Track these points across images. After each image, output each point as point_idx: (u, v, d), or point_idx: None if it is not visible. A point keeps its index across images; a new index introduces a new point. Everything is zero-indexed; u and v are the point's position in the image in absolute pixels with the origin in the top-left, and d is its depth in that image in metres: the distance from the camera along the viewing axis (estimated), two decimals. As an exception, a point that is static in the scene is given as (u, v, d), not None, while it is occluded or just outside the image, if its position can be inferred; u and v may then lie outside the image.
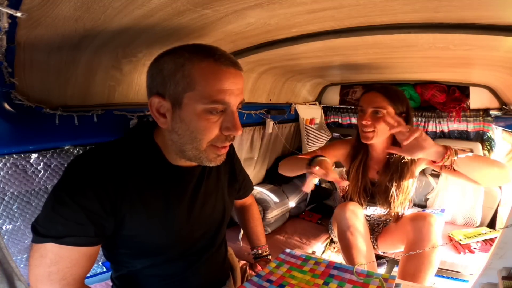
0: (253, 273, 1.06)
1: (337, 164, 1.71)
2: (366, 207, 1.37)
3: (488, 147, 1.87)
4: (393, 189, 1.27)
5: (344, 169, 1.50)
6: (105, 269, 1.07)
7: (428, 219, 1.18)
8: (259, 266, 1.05)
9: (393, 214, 1.31)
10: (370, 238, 1.41)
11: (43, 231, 0.58)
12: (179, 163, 0.73)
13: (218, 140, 0.65)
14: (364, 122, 1.21)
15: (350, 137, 1.48)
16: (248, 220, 1.12)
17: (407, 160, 1.24)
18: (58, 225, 0.58)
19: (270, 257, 1.08)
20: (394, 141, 1.25)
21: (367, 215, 1.39)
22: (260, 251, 1.08)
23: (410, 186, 1.28)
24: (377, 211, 1.39)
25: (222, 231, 0.88)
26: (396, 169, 1.25)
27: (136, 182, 0.66)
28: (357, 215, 1.24)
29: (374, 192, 1.34)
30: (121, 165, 0.65)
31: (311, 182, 1.03)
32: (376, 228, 1.41)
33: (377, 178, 1.33)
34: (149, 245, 0.71)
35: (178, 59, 0.61)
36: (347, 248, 1.19)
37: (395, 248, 1.34)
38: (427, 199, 1.97)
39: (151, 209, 0.69)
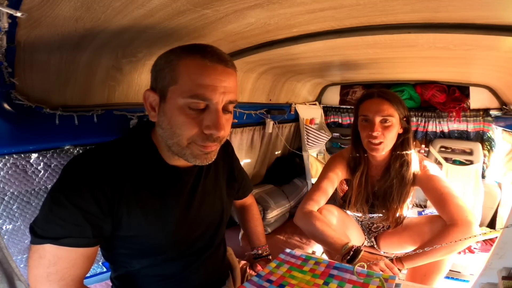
0: (253, 273, 1.06)
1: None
2: (366, 215, 1.36)
3: (488, 147, 1.87)
4: (392, 196, 1.24)
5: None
6: (105, 269, 1.07)
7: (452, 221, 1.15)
8: (259, 266, 1.05)
9: (391, 219, 1.30)
10: (365, 238, 1.41)
11: (41, 232, 0.58)
12: (176, 163, 0.73)
13: (198, 138, 0.63)
14: (374, 134, 1.14)
15: (344, 148, 1.44)
16: (248, 220, 1.12)
17: (405, 168, 1.21)
18: (56, 226, 0.58)
19: (270, 257, 1.08)
20: (394, 147, 1.23)
21: (358, 216, 1.38)
22: (260, 251, 1.08)
23: (409, 193, 1.26)
24: (376, 215, 1.38)
25: (221, 231, 0.88)
26: (395, 176, 1.22)
27: (133, 182, 0.66)
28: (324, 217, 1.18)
29: (374, 200, 1.33)
30: (118, 165, 0.65)
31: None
32: (373, 228, 1.40)
33: (376, 186, 1.32)
34: (147, 245, 0.71)
35: (170, 55, 0.64)
36: (322, 238, 1.07)
37: (401, 249, 1.31)
38: (427, 199, 1.97)
39: (148, 209, 0.69)
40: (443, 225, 1.08)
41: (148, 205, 0.69)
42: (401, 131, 1.21)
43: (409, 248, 1.25)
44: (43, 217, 0.60)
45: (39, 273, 0.59)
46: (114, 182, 0.63)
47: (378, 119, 1.14)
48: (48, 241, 0.58)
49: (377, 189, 1.31)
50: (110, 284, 0.83)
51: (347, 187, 1.54)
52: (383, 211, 1.29)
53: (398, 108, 1.15)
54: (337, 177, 1.30)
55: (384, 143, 1.16)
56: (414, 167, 1.21)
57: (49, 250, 0.58)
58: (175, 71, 0.61)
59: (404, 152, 1.21)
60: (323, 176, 1.30)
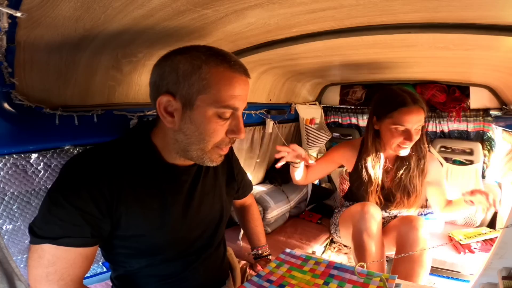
0: (253, 273, 1.06)
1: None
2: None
3: (488, 147, 1.87)
4: (413, 185, 1.30)
5: (345, 169, 1.51)
6: (105, 269, 1.07)
7: (414, 223, 1.18)
8: (259, 266, 1.05)
9: (412, 205, 1.34)
10: None
11: (40, 232, 0.59)
12: (175, 162, 0.73)
13: (223, 142, 0.68)
14: (412, 142, 1.19)
15: (351, 139, 1.49)
16: (248, 221, 1.12)
17: (423, 161, 1.28)
18: (54, 226, 0.59)
19: (270, 257, 1.08)
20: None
21: None
22: (260, 251, 1.08)
23: (420, 186, 1.30)
24: (392, 213, 1.39)
25: (221, 230, 0.88)
26: (415, 168, 1.29)
27: (132, 181, 0.66)
28: (375, 219, 1.23)
29: (388, 194, 1.35)
30: (116, 165, 0.65)
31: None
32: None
33: (389, 178, 1.35)
34: (146, 245, 0.72)
35: (195, 61, 0.62)
36: (360, 249, 1.18)
37: (389, 250, 1.34)
38: (427, 199, 1.97)
39: (147, 208, 0.69)
40: (410, 226, 1.19)
41: (147, 204, 0.69)
42: None
43: (392, 250, 1.31)
44: (41, 217, 0.60)
45: (39, 273, 0.59)
46: (112, 182, 0.63)
47: (414, 128, 1.19)
48: (47, 241, 0.58)
49: (389, 183, 1.35)
50: (110, 284, 0.82)
51: (347, 188, 1.54)
52: (403, 201, 1.34)
53: (425, 112, 1.20)
54: (339, 160, 1.46)
55: (412, 144, 1.22)
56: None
57: (48, 250, 0.59)
58: (206, 80, 0.61)
59: (422, 146, 1.29)
60: (327, 156, 1.50)
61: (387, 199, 1.35)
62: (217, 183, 0.86)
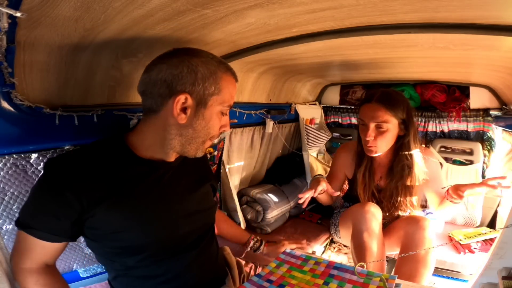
0: (248, 270, 1.06)
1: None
2: None
3: (488, 147, 1.87)
4: (398, 193, 1.27)
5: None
6: (104, 269, 1.07)
7: (421, 224, 1.17)
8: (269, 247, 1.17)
9: (395, 215, 1.31)
10: None
11: (19, 219, 0.69)
12: (150, 155, 0.76)
13: (214, 136, 0.79)
14: (367, 138, 1.17)
15: (350, 140, 1.49)
16: (225, 220, 1.19)
17: (407, 171, 1.24)
18: (27, 216, 0.68)
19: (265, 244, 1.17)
20: (396, 149, 1.24)
21: None
22: (254, 240, 1.16)
23: (415, 190, 1.28)
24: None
25: (211, 228, 0.90)
26: (399, 174, 1.25)
27: (104, 181, 0.69)
28: (377, 218, 1.22)
29: (379, 198, 1.34)
30: (86, 168, 0.68)
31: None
32: None
33: (381, 183, 1.33)
34: (130, 242, 0.73)
35: (210, 66, 0.72)
36: (360, 249, 1.17)
37: (392, 250, 1.34)
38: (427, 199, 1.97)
39: (123, 204, 0.71)
40: (417, 227, 1.16)
41: (122, 200, 0.71)
42: (401, 133, 1.21)
43: (396, 249, 1.29)
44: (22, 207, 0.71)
45: (12, 250, 0.71)
46: (79, 186, 0.66)
47: (372, 125, 1.17)
48: (20, 227, 0.68)
49: (382, 187, 1.32)
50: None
51: (347, 187, 1.55)
52: (391, 209, 1.33)
53: (395, 114, 1.16)
54: (342, 170, 1.44)
55: (377, 146, 1.19)
56: (419, 166, 1.24)
57: (18, 234, 0.69)
58: (219, 84, 0.73)
59: (406, 154, 1.24)
60: (333, 167, 1.47)
61: (376, 203, 1.35)
62: (203, 183, 0.89)
